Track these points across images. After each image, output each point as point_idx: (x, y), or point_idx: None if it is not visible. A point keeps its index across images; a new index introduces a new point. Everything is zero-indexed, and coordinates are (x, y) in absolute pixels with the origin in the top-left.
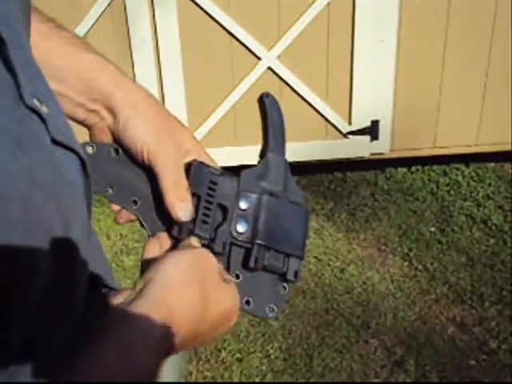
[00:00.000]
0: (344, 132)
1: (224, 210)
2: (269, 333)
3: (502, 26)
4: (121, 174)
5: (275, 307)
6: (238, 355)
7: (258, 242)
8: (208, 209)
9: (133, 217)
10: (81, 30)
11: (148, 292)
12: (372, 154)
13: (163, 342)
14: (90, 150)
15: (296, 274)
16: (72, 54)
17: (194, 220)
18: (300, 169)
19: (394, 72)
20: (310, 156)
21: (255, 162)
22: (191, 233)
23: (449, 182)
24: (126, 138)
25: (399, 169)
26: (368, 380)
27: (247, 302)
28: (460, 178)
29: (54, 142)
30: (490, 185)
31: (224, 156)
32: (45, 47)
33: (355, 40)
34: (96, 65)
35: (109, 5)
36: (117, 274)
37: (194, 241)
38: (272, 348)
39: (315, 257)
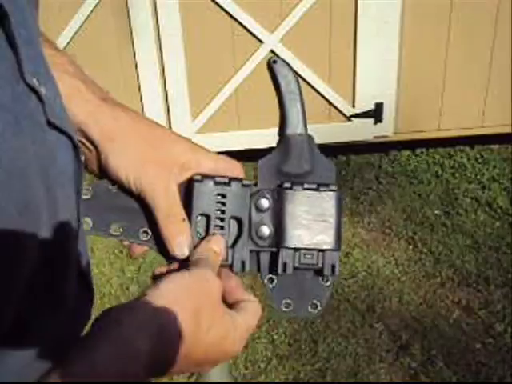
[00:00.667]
0: (347, 115)
1: (239, 221)
2: (273, 318)
3: (508, 4)
4: (124, 208)
5: (318, 303)
6: None
7: (285, 245)
8: (220, 227)
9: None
10: (82, 13)
11: (143, 306)
12: (376, 137)
13: (151, 355)
14: (86, 194)
15: (333, 268)
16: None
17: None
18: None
19: (397, 54)
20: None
21: (259, 146)
22: None
23: (453, 165)
24: (111, 173)
25: (403, 152)
26: (373, 365)
27: (287, 305)
28: (465, 161)
29: (49, 124)
30: (494, 167)
31: (227, 140)
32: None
33: (358, 22)
34: (72, 92)
35: None
36: (120, 260)
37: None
38: (277, 333)
39: None
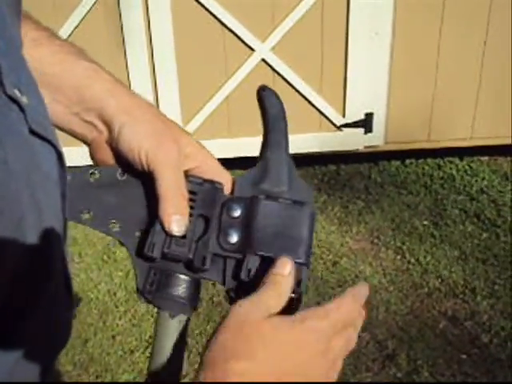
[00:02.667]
0: (338, 124)
1: (207, 220)
2: None
3: (497, 19)
4: (99, 198)
5: None
6: None
7: (251, 251)
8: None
9: None
10: (74, 20)
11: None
12: (366, 147)
13: None
14: (95, 174)
15: (299, 283)
16: (65, 62)
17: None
18: (293, 161)
19: (388, 65)
20: (304, 148)
21: (249, 154)
22: (164, 254)
23: (443, 176)
24: (122, 145)
25: (393, 162)
26: (359, 374)
27: None
28: (454, 172)
29: (32, 132)
30: (483, 179)
31: (217, 148)
32: (36, 54)
33: (350, 32)
34: (90, 73)
35: None
36: (108, 265)
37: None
38: None
39: None
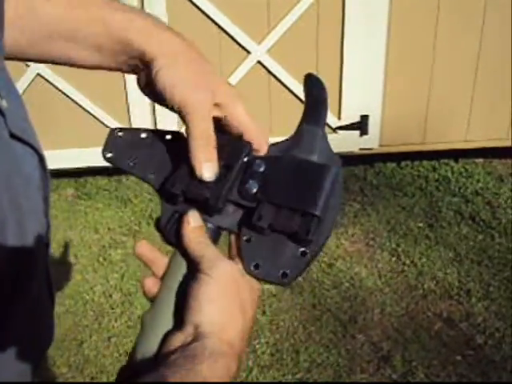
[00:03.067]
0: (333, 127)
1: (228, 169)
2: (256, 327)
3: (492, 21)
4: (145, 150)
5: (289, 272)
6: None
7: (266, 198)
8: None
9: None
10: None
11: (206, 339)
12: (361, 149)
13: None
14: (118, 134)
15: (307, 232)
16: (100, 19)
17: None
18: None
19: (383, 67)
20: None
21: None
22: (184, 192)
23: (438, 178)
24: (158, 84)
25: (388, 164)
26: (354, 375)
27: (256, 266)
28: (449, 174)
29: (13, 136)
30: (478, 181)
31: None
32: (73, 17)
33: (345, 34)
34: (125, 24)
35: None
36: (104, 267)
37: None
38: (259, 343)
39: None
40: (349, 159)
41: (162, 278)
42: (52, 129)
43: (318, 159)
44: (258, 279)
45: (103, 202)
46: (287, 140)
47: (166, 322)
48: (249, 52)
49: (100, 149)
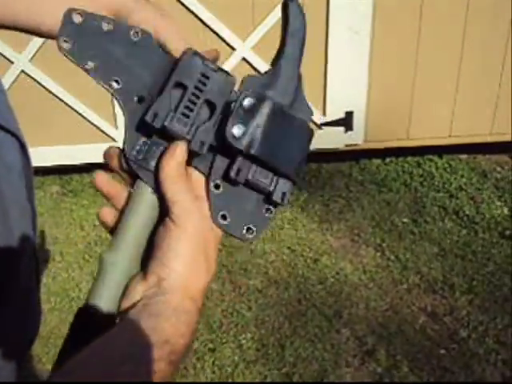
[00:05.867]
0: (318, 123)
1: (212, 108)
2: (241, 323)
3: (475, 17)
4: (108, 50)
5: (255, 229)
6: (210, 345)
7: (252, 152)
8: (193, 102)
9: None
10: None
11: (169, 294)
12: (346, 146)
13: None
14: (77, 18)
15: (283, 196)
16: None
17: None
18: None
19: (367, 64)
20: None
21: None
22: (163, 126)
23: (422, 174)
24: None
25: (373, 160)
26: (339, 369)
27: (223, 217)
28: (433, 170)
29: None
30: (462, 176)
31: None
32: None
33: (329, 32)
34: None
35: None
36: (90, 264)
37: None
38: (244, 338)
39: (288, 247)
40: (334, 155)
41: (123, 212)
42: (36, 126)
43: (291, 105)
44: (223, 231)
45: (88, 199)
46: (264, 75)
47: (128, 264)
48: (233, 49)
49: (86, 146)
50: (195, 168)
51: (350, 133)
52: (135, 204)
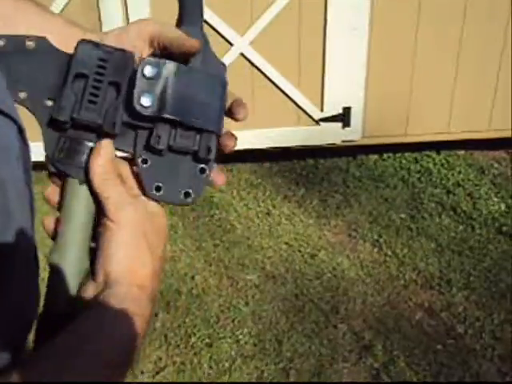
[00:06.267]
0: (316, 119)
1: (118, 88)
2: (239, 318)
3: (473, 13)
4: (8, 65)
5: (191, 191)
6: (207, 340)
7: (165, 116)
8: (96, 88)
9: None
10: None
11: (116, 286)
12: (344, 141)
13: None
14: (1, 41)
15: (209, 150)
16: (45, 14)
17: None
18: (272, 155)
19: (365, 59)
20: (282, 142)
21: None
22: (73, 119)
23: (420, 170)
24: None
25: (371, 156)
26: (336, 365)
27: (157, 189)
28: (431, 166)
29: None
30: (460, 172)
31: None
32: (16, 5)
33: (328, 27)
34: (68, 22)
35: None
36: None
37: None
38: (242, 333)
39: (286, 243)
40: (331, 151)
41: (60, 211)
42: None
43: (202, 63)
44: (161, 201)
45: None
46: None
47: (75, 260)
48: (231, 44)
49: None
50: (118, 149)
51: (347, 129)
52: (67, 200)
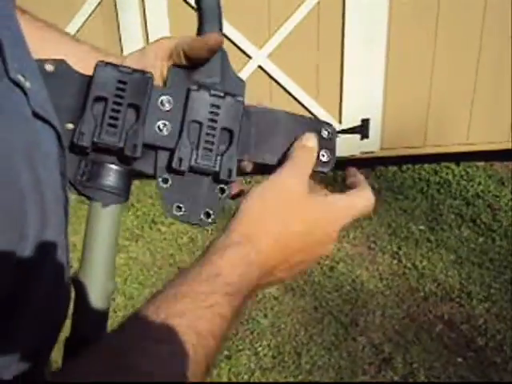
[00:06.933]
0: None
1: (137, 109)
2: (257, 330)
3: (492, 23)
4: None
5: (211, 212)
6: (226, 353)
7: (183, 139)
8: (116, 111)
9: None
10: (72, 27)
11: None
12: (362, 153)
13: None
14: (49, 67)
15: (230, 172)
16: (71, 42)
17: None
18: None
19: (383, 71)
20: None
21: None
22: (94, 143)
23: (439, 181)
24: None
25: (389, 167)
26: (356, 377)
27: (178, 208)
28: (450, 177)
29: (35, 115)
30: (479, 184)
31: None
32: (45, 36)
33: (345, 39)
34: (92, 49)
35: (99, 3)
36: None
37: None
38: (260, 345)
39: None
40: (350, 163)
41: (85, 233)
42: None
43: (221, 82)
44: (182, 222)
45: None
46: None
47: (102, 282)
48: (250, 57)
49: None
50: (140, 171)
51: (366, 140)
52: (92, 222)
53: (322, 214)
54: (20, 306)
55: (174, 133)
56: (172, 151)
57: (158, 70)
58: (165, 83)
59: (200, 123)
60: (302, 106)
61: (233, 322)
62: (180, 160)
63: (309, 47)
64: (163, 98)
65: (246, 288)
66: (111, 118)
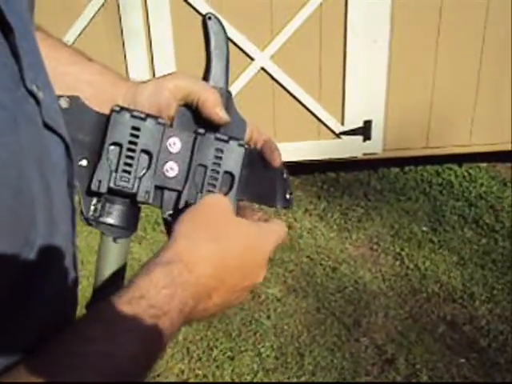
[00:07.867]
0: (337, 132)
1: (150, 155)
2: (260, 331)
3: (494, 25)
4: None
5: None
6: (229, 353)
7: (189, 184)
8: (130, 157)
9: None
10: (75, 30)
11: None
12: (365, 154)
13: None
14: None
15: None
16: (81, 62)
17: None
18: (293, 169)
19: (386, 72)
20: (303, 156)
21: None
22: (110, 188)
23: (441, 182)
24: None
25: (392, 169)
26: (358, 378)
27: None
28: (452, 178)
29: (45, 125)
30: (482, 185)
31: None
32: (55, 56)
33: (348, 40)
34: (102, 69)
35: (102, 5)
36: None
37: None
38: (263, 346)
39: (307, 256)
40: (352, 164)
41: (96, 263)
42: None
43: (227, 126)
44: None
45: None
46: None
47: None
48: (252, 59)
49: None
50: (148, 204)
51: (368, 142)
52: (102, 254)
53: (256, 232)
54: (26, 307)
55: (181, 175)
56: (179, 193)
57: (172, 108)
58: (171, 120)
59: (205, 166)
60: (305, 107)
61: (159, 344)
62: (186, 203)
63: (311, 49)
64: (173, 140)
65: (178, 309)
66: (125, 164)
